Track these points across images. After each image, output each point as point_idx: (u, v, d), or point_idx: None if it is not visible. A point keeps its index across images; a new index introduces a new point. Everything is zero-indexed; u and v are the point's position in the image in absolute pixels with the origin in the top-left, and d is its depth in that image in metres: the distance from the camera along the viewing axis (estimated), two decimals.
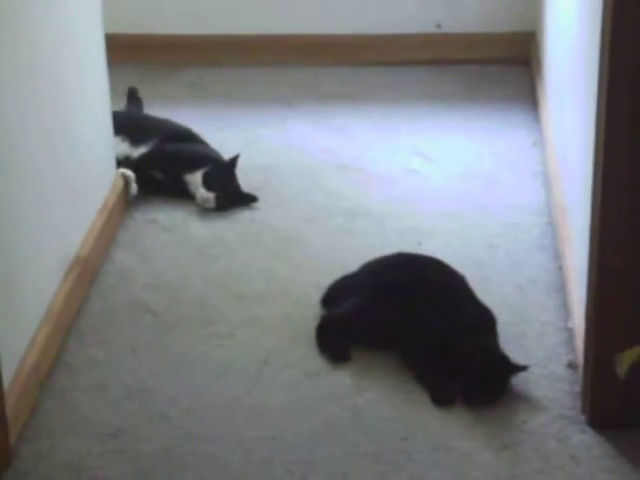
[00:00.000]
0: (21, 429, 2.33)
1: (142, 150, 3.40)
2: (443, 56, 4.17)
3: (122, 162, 3.32)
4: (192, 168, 3.31)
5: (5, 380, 2.25)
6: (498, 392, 2.41)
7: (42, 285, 2.58)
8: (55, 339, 2.57)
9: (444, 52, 4.18)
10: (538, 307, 2.75)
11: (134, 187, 3.27)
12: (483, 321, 2.54)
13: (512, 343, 2.58)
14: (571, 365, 2.51)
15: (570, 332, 2.62)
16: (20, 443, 2.31)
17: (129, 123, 3.49)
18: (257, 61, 4.23)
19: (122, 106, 3.71)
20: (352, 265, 2.78)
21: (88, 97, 3.00)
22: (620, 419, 2.31)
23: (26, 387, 2.37)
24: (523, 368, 2.43)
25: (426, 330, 2.49)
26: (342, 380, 2.51)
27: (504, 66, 4.12)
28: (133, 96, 3.80)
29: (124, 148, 3.39)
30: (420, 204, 3.27)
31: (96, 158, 3.06)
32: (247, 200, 3.29)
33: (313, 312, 2.72)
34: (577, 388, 2.43)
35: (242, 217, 3.23)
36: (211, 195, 3.24)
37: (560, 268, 2.89)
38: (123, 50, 3.87)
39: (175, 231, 3.16)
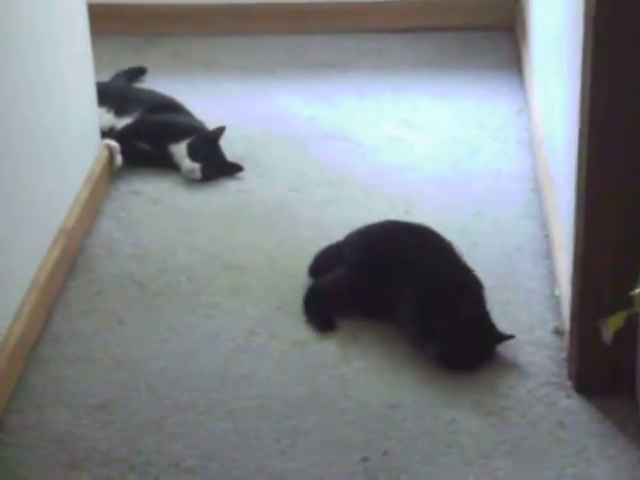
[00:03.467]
0: (7, 401, 2.33)
1: (126, 121, 3.39)
2: (428, 23, 4.15)
3: (106, 133, 3.31)
4: (177, 139, 3.29)
5: None
6: (482, 359, 2.42)
7: (27, 257, 2.57)
8: (41, 311, 2.57)
9: (429, 19, 4.16)
10: (524, 275, 2.75)
11: (119, 158, 3.25)
12: (471, 287, 2.54)
13: (498, 310, 2.58)
14: (557, 332, 2.52)
15: (556, 299, 2.63)
16: (6, 415, 2.31)
17: (114, 94, 3.47)
18: (241, 30, 4.20)
19: (107, 77, 3.69)
20: (338, 235, 2.78)
21: (72, 68, 2.98)
22: (606, 384, 2.32)
23: (12, 359, 2.36)
24: (509, 337, 2.44)
25: (413, 297, 2.50)
26: (329, 349, 2.51)
27: (489, 33, 4.10)
28: (136, 71, 3.81)
29: (109, 119, 3.38)
30: (406, 172, 3.27)
31: (80, 129, 3.05)
32: (233, 170, 3.28)
33: (299, 282, 2.72)
34: (563, 354, 2.44)
35: (228, 187, 3.22)
36: (197, 166, 3.23)
37: (546, 235, 2.89)
38: (106, 20, 3.85)
39: (161, 202, 3.15)
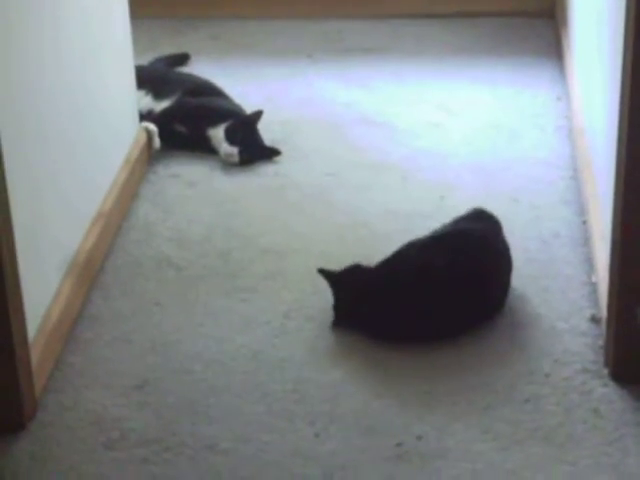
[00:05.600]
0: (46, 381, 2.35)
1: (165, 104, 3.40)
2: (468, 9, 4.14)
3: (145, 116, 3.32)
4: (215, 122, 3.30)
5: (30, 332, 2.27)
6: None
7: (66, 238, 2.59)
8: (79, 292, 2.59)
9: (469, 4, 4.14)
10: (562, 261, 2.74)
11: (157, 141, 3.27)
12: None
13: (536, 297, 2.58)
14: (594, 319, 2.51)
15: (594, 286, 2.61)
16: (45, 395, 2.33)
17: (152, 77, 3.49)
18: (279, 14, 4.21)
19: (145, 60, 3.70)
20: (374, 219, 2.78)
21: (111, 51, 2.99)
22: None
23: (51, 339, 2.38)
24: None
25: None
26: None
27: (529, 19, 4.08)
28: (179, 57, 3.83)
29: (147, 102, 3.39)
30: (443, 158, 3.26)
31: (119, 112, 3.06)
32: (270, 154, 3.28)
33: (335, 266, 2.72)
34: (600, 342, 2.43)
35: (265, 171, 3.23)
36: (235, 149, 3.24)
37: (584, 222, 2.88)
38: (145, 3, 3.86)
39: (198, 185, 3.16)
